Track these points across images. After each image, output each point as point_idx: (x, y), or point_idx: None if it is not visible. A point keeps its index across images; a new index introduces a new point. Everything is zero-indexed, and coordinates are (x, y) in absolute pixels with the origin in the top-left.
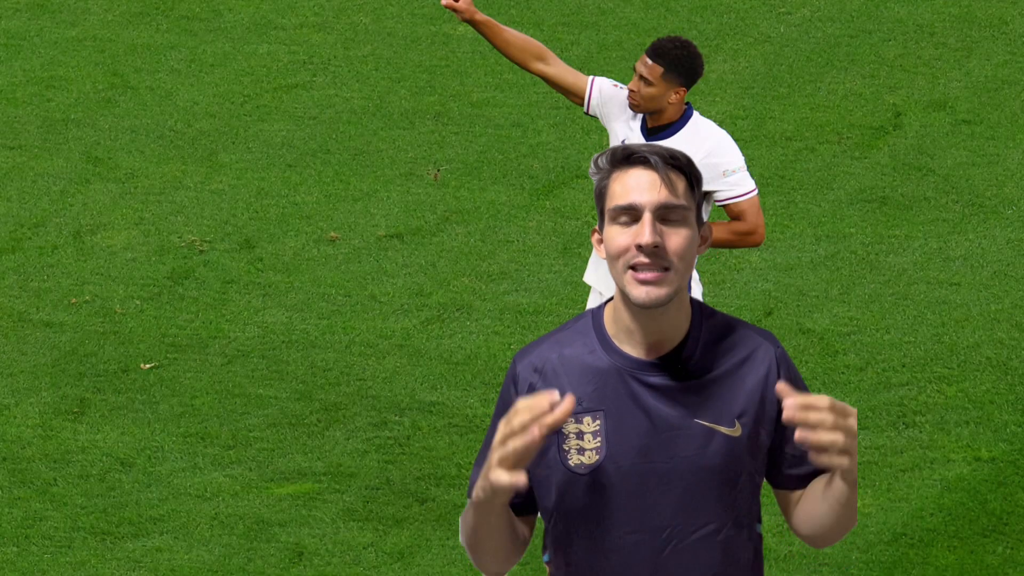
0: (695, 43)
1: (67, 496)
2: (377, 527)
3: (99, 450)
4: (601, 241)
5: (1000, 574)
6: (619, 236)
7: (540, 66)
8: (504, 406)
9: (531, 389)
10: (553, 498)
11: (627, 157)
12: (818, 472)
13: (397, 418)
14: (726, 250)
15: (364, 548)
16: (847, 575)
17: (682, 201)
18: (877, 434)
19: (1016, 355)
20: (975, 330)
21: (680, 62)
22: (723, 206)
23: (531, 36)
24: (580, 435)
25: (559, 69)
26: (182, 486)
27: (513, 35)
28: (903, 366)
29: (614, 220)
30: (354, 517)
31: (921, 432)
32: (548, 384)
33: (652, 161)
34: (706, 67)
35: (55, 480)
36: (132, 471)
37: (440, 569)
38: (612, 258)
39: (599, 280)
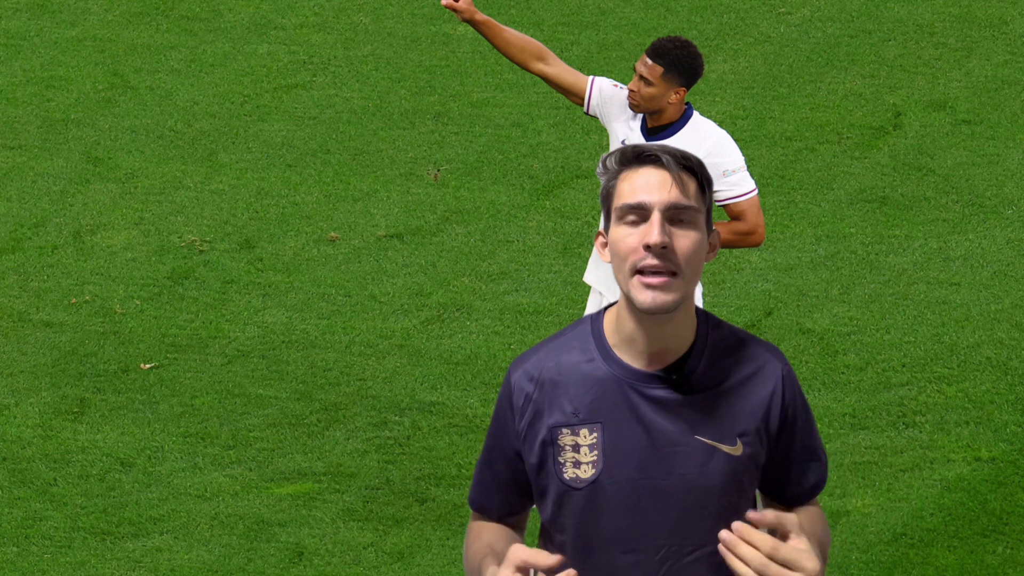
0: (695, 43)
1: (67, 496)
2: (377, 527)
3: (99, 450)
4: (606, 244)
5: (1000, 574)
6: (626, 236)
7: (540, 66)
8: (500, 416)
9: (527, 400)
10: (549, 511)
11: (637, 156)
12: (812, 493)
13: (397, 418)
14: (726, 250)
15: (364, 548)
16: (847, 575)
17: (692, 202)
18: (877, 434)
19: (1016, 355)
20: (975, 330)
21: (680, 62)
22: (723, 206)
23: (531, 36)
24: (576, 447)
25: (559, 69)
26: (182, 486)
27: (513, 35)
28: (903, 366)
29: (621, 219)
30: (354, 517)
31: (921, 432)
32: (545, 394)
33: (664, 160)
34: (706, 67)
35: (55, 480)
36: (132, 471)
37: (440, 569)
38: (618, 259)
39: (599, 280)
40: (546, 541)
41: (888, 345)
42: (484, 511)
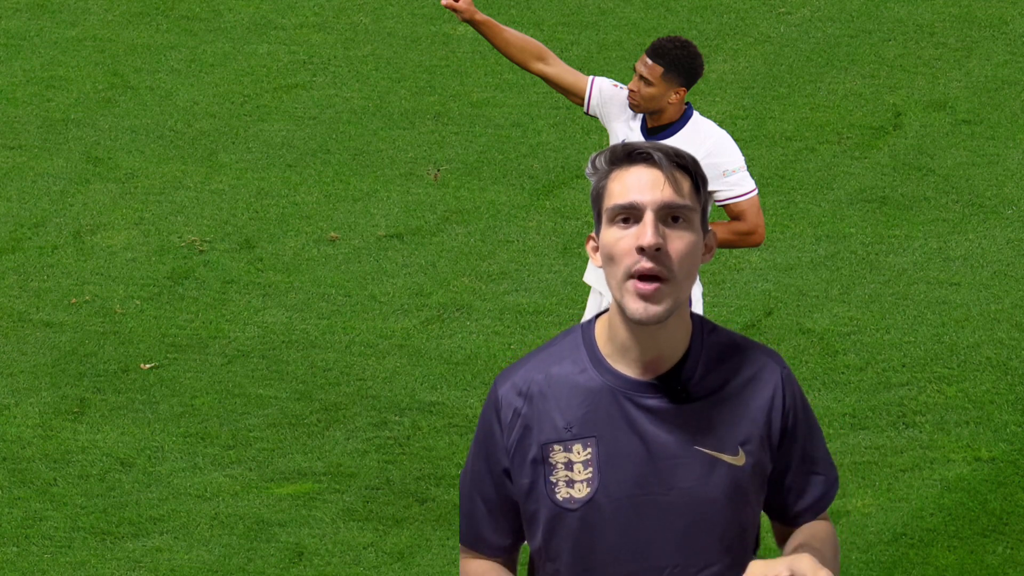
0: (695, 43)
1: (67, 496)
2: (377, 527)
3: (99, 450)
4: (597, 248)
5: (1000, 574)
6: (618, 239)
7: (540, 66)
8: (485, 433)
9: (516, 414)
10: (540, 536)
11: (628, 155)
12: (816, 509)
13: (397, 418)
14: (726, 250)
15: (364, 548)
16: (847, 575)
17: (687, 202)
18: (877, 434)
19: (1016, 355)
20: (975, 330)
21: (680, 62)
22: (723, 206)
23: (531, 36)
24: (569, 465)
25: (559, 69)
26: (182, 486)
27: (513, 35)
28: (903, 366)
29: (612, 221)
30: (354, 517)
31: (921, 432)
32: (534, 408)
33: (656, 158)
34: (706, 67)
35: (55, 480)
36: (132, 471)
37: (440, 569)
38: (610, 264)
39: (599, 280)
40: (535, 573)
41: (888, 345)
42: (476, 544)
